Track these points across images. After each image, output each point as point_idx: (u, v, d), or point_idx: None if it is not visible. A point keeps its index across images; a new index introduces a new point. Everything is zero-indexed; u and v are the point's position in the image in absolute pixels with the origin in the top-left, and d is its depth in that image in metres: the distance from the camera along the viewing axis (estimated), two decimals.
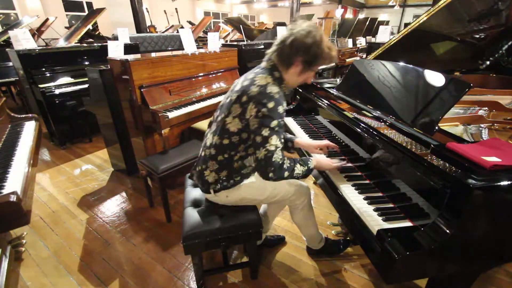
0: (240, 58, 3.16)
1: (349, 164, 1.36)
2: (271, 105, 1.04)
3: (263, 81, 1.08)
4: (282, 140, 1.11)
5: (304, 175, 1.18)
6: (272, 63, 1.15)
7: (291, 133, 1.83)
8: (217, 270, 1.62)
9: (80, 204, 2.28)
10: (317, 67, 1.15)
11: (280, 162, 1.09)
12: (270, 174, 1.09)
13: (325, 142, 1.42)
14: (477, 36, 1.83)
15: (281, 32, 4.02)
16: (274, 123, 1.05)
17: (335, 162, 1.27)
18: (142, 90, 2.13)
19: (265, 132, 1.05)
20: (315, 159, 1.24)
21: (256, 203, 1.38)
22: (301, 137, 1.66)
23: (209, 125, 1.32)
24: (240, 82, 1.16)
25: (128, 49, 3.22)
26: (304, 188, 1.43)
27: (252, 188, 1.31)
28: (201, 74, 2.66)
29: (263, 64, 1.18)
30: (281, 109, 1.07)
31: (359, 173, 1.29)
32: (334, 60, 1.14)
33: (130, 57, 2.17)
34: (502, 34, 1.75)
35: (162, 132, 2.11)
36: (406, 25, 3.08)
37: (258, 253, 1.63)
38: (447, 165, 0.87)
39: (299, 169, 1.15)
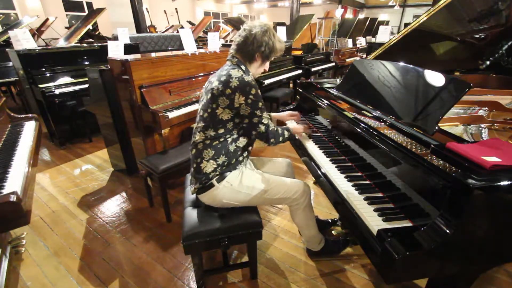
0: None
1: (319, 134, 1.71)
2: (253, 91, 1.25)
3: (239, 74, 1.25)
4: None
5: (289, 138, 1.47)
6: (236, 59, 1.34)
7: None
8: (217, 270, 1.62)
9: (80, 204, 2.28)
10: (272, 58, 1.42)
11: (275, 129, 1.40)
12: (272, 140, 1.38)
13: (291, 112, 1.74)
14: (477, 36, 1.82)
15: (281, 32, 4.06)
16: (260, 104, 1.30)
17: (305, 128, 1.66)
18: (142, 90, 2.13)
19: (258, 113, 1.30)
20: (291, 125, 1.57)
21: (258, 201, 1.38)
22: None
23: (194, 134, 1.39)
24: (216, 79, 1.29)
25: (128, 49, 3.22)
26: (306, 187, 1.45)
27: (254, 178, 1.38)
28: (201, 74, 2.66)
29: (229, 62, 1.36)
30: (259, 91, 1.31)
31: (359, 173, 1.29)
32: (283, 50, 1.42)
33: (130, 57, 2.18)
34: (502, 34, 1.75)
35: (162, 132, 2.11)
36: (406, 25, 3.07)
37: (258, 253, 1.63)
38: (447, 165, 0.87)
39: (286, 133, 1.45)
